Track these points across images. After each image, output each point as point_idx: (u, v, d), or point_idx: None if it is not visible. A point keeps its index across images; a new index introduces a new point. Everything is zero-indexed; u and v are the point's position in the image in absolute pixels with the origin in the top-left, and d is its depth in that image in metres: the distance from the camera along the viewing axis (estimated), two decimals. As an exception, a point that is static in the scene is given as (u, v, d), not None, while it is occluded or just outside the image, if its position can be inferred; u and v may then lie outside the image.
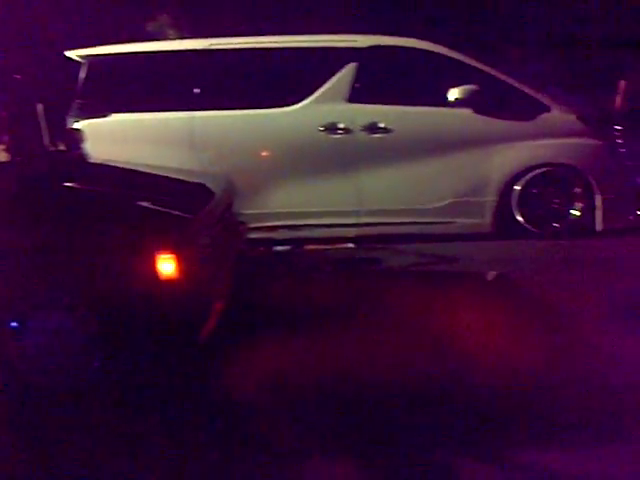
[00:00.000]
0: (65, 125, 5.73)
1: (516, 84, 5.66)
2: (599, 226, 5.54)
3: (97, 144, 5.53)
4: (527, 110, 5.64)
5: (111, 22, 8.76)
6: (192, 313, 3.10)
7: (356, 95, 5.63)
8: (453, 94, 5.54)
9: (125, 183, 4.08)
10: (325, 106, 5.63)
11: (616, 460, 2.50)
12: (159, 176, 4.30)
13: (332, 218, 5.69)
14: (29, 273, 3.03)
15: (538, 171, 5.57)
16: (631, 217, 5.63)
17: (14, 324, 3.08)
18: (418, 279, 4.82)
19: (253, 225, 4.90)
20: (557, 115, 5.65)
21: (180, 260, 3.02)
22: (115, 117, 5.71)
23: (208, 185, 4.05)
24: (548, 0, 11.11)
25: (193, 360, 3.31)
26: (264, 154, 5.72)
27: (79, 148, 5.52)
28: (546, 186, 5.61)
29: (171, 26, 10.57)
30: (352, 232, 5.74)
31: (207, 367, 3.39)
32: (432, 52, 5.67)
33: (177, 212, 3.33)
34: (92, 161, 5.11)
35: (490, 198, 5.59)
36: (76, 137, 5.59)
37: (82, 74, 5.78)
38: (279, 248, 5.74)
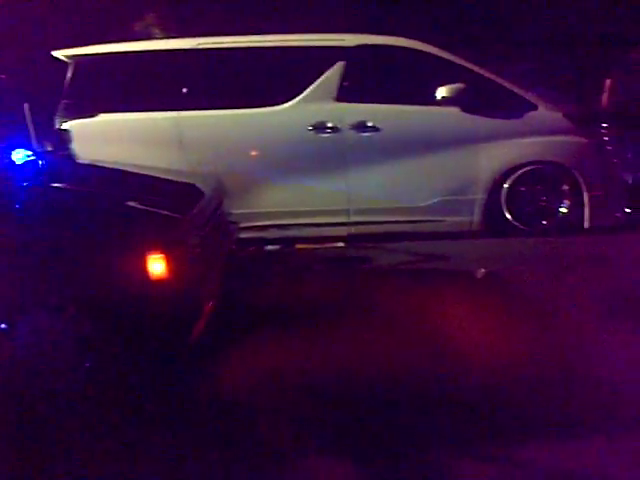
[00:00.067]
0: (53, 125, 5.70)
1: (503, 82, 5.69)
2: (587, 223, 5.58)
3: (85, 144, 5.51)
4: (514, 108, 5.67)
5: (98, 22, 8.71)
6: (182, 313, 3.09)
7: (344, 94, 5.63)
8: (441, 93, 5.56)
9: (114, 183, 4.07)
10: (314, 105, 5.63)
11: (610, 456, 2.52)
12: (148, 176, 4.28)
13: (322, 217, 5.69)
14: (18, 274, 3.01)
15: (526, 169, 5.60)
16: (619, 214, 5.68)
17: (3, 326, 3.06)
18: (409, 277, 4.83)
19: (243, 225, 4.89)
20: (544, 113, 5.67)
21: (170, 260, 3.01)
22: (103, 117, 5.68)
23: (197, 185, 4.04)
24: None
25: (184, 360, 3.30)
26: (253, 153, 5.70)
27: (67, 149, 5.49)
28: (534, 184, 5.65)
29: (158, 26, 10.53)
30: (342, 231, 5.75)
31: (198, 367, 3.38)
32: (420, 51, 5.68)
33: (167, 212, 3.32)
34: (80, 161, 5.08)
35: (479, 196, 5.61)
36: (64, 137, 5.57)
37: (69, 74, 5.75)
38: (269, 247, 5.73)
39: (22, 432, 2.88)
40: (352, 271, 5.12)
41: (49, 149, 5.72)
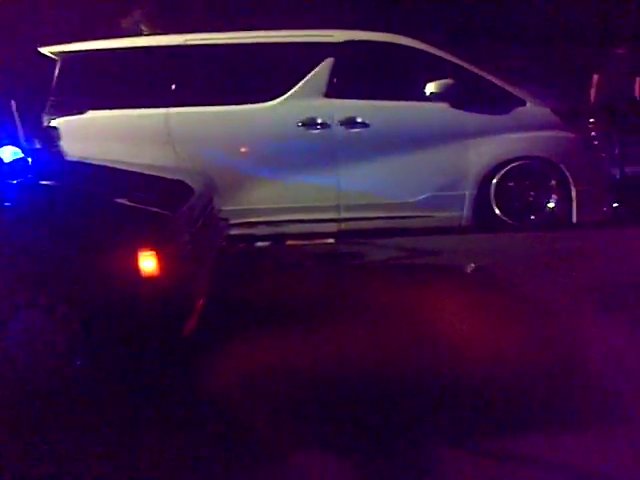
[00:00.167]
0: (41, 123, 5.66)
1: (492, 78, 5.72)
2: (575, 218, 5.62)
3: (73, 142, 5.49)
4: (503, 104, 5.70)
5: (85, 18, 8.66)
6: (174, 310, 3.09)
7: (334, 90, 5.64)
8: (430, 88, 5.58)
9: (103, 181, 4.05)
10: (303, 101, 5.63)
11: (608, 452, 2.53)
12: (138, 173, 4.27)
13: (312, 213, 5.70)
14: (8, 273, 3.00)
15: (514, 164, 5.64)
16: (606, 209, 5.72)
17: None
18: (399, 273, 4.85)
19: (233, 221, 4.89)
20: (532, 109, 5.71)
21: (161, 257, 3.01)
22: (91, 114, 5.65)
23: (187, 182, 4.04)
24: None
25: (175, 357, 3.30)
26: (242, 150, 5.70)
27: (55, 146, 5.46)
28: (522, 179, 5.69)
29: (145, 22, 10.47)
30: (332, 227, 5.77)
31: (189, 364, 3.38)
32: (408, 47, 5.70)
33: (157, 209, 3.32)
34: (69, 159, 5.05)
35: (468, 191, 5.64)
36: (52, 135, 5.53)
37: (57, 71, 5.72)
38: (259, 244, 5.74)
39: (13, 430, 2.87)
40: (343, 267, 5.13)
41: (37, 147, 5.68)
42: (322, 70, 5.64)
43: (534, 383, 3.08)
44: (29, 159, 4.45)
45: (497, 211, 5.66)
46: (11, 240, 3.00)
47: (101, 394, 3.07)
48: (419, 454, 2.60)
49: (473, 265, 4.84)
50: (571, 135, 5.72)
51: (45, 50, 5.78)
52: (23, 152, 4.62)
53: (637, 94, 7.24)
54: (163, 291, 3.03)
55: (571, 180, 5.59)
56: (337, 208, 5.70)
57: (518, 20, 11.21)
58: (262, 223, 5.69)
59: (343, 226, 5.76)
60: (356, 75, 5.78)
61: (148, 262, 2.99)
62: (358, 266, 5.11)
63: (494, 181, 5.63)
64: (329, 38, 5.74)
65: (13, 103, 6.83)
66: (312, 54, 5.68)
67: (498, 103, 5.70)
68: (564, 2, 11.39)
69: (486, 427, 2.75)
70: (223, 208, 4.86)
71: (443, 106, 5.60)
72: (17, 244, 3.00)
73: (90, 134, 5.60)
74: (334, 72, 5.64)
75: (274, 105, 5.63)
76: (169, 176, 4.31)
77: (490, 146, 5.62)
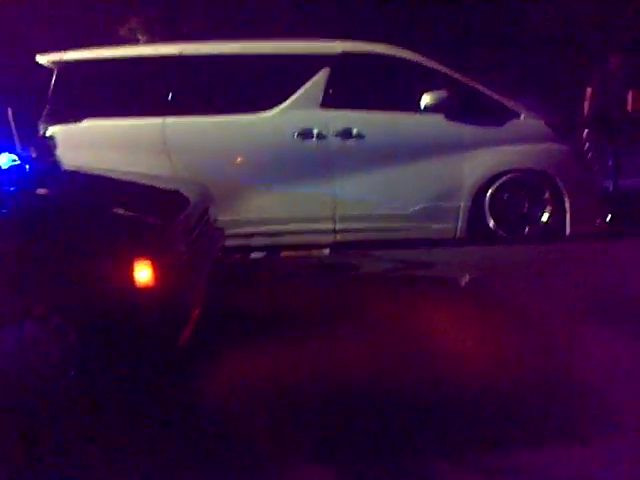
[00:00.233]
0: (37, 131, 5.66)
1: (486, 90, 5.76)
2: (569, 230, 5.65)
3: (70, 150, 5.49)
4: (497, 116, 5.74)
5: (83, 27, 8.68)
6: (170, 320, 3.09)
7: (330, 101, 5.67)
8: (424, 100, 5.61)
9: (99, 190, 4.05)
10: (299, 112, 5.65)
11: (601, 461, 2.55)
12: (134, 182, 4.27)
13: (308, 224, 5.71)
14: (3, 282, 2.99)
15: (508, 176, 5.67)
16: (600, 221, 5.76)
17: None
18: (394, 284, 4.86)
19: (229, 232, 4.89)
20: (526, 121, 5.75)
21: (157, 267, 3.01)
22: (88, 123, 5.66)
23: (184, 191, 4.04)
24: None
25: (170, 367, 3.30)
26: (238, 160, 5.71)
27: (51, 154, 5.46)
28: (516, 191, 5.72)
29: (142, 30, 10.51)
30: (328, 238, 5.78)
31: (184, 374, 3.38)
32: (404, 59, 5.74)
33: (153, 219, 3.32)
34: (65, 167, 5.05)
35: (463, 203, 5.67)
36: (48, 143, 5.54)
37: (53, 79, 5.73)
38: (255, 255, 5.74)
39: (7, 440, 2.86)
40: (338, 278, 5.13)
41: (34, 155, 5.67)
42: (318, 81, 5.67)
43: (529, 394, 3.09)
44: (25, 167, 4.45)
45: (491, 223, 5.69)
46: (4, 249, 2.99)
47: (95, 404, 3.06)
48: (416, 466, 2.60)
49: (467, 277, 4.86)
50: (565, 147, 5.76)
51: (42, 58, 5.79)
52: (19, 160, 4.63)
53: (630, 107, 7.30)
54: (159, 301, 3.03)
55: (565, 192, 5.63)
56: (333, 219, 5.71)
57: (512, 32, 11.30)
58: (258, 233, 5.70)
59: (338, 237, 5.77)
60: (352, 86, 5.81)
61: (144, 272, 2.99)
62: (353, 277, 5.12)
63: (488, 193, 5.66)
64: (325, 49, 5.78)
65: (10, 111, 6.84)
66: (308, 65, 5.71)
67: (492, 115, 5.74)
68: (557, 15, 11.49)
69: (482, 439, 2.76)
70: (219, 218, 4.87)
71: (438, 118, 5.64)
72: (11, 253, 2.99)
73: (86, 143, 5.61)
74: (330, 83, 5.67)
75: (270, 115, 5.65)
76: (165, 185, 4.31)
77: (484, 158, 5.65)
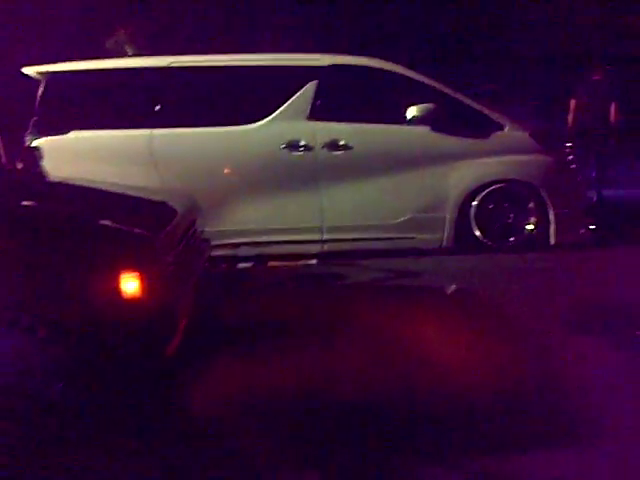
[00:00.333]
0: (24, 143, 5.65)
1: (471, 103, 5.83)
2: (553, 240, 5.72)
3: (57, 162, 5.48)
4: (482, 128, 5.81)
5: (70, 38, 8.69)
6: (157, 331, 3.09)
7: (317, 113, 5.71)
8: (411, 112, 5.67)
9: (86, 201, 4.05)
10: (286, 124, 5.69)
11: (590, 466, 2.57)
12: (121, 194, 4.27)
13: (295, 235, 5.74)
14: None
15: (493, 187, 5.73)
16: (583, 231, 5.83)
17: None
18: (382, 294, 4.89)
19: (216, 242, 4.90)
20: (511, 133, 5.82)
21: (144, 278, 3.02)
22: (75, 134, 5.66)
23: (171, 203, 4.05)
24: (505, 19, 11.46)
25: (157, 378, 3.30)
26: (226, 171, 5.73)
27: (38, 166, 5.45)
28: (502, 201, 5.78)
29: (129, 43, 10.53)
30: (315, 248, 5.80)
31: (171, 385, 3.38)
32: (390, 71, 5.81)
33: (140, 230, 3.32)
34: (52, 179, 5.05)
35: (449, 213, 5.71)
36: (35, 155, 5.53)
37: (41, 91, 5.73)
38: (242, 265, 5.75)
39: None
40: (325, 288, 5.15)
41: (20, 166, 5.66)
42: (305, 93, 5.71)
43: (516, 401, 3.11)
44: (12, 179, 4.44)
45: (477, 233, 5.74)
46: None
47: (82, 415, 3.05)
48: (407, 473, 2.62)
49: (454, 286, 4.90)
50: (549, 159, 5.84)
51: (29, 70, 5.80)
52: (5, 171, 4.62)
53: (613, 119, 7.41)
54: (146, 312, 3.03)
55: (549, 203, 5.70)
56: (320, 230, 5.74)
57: (498, 46, 11.44)
58: (244, 244, 5.71)
59: (326, 247, 5.80)
60: (339, 98, 5.86)
61: (131, 284, 2.99)
62: (340, 287, 5.14)
63: (474, 203, 5.72)
64: (312, 62, 5.83)
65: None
66: (295, 77, 5.76)
67: (478, 127, 5.81)
68: (542, 28, 11.65)
69: (474, 445, 2.77)
70: (206, 229, 4.88)
71: (424, 129, 5.70)
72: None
73: (73, 154, 5.60)
74: (317, 95, 5.72)
75: (258, 127, 5.68)
76: (152, 197, 4.31)
77: (470, 169, 5.71)
